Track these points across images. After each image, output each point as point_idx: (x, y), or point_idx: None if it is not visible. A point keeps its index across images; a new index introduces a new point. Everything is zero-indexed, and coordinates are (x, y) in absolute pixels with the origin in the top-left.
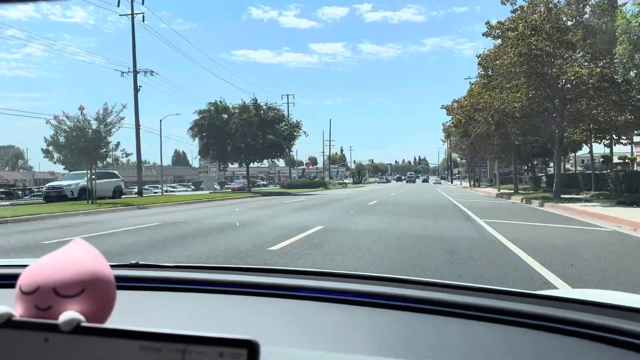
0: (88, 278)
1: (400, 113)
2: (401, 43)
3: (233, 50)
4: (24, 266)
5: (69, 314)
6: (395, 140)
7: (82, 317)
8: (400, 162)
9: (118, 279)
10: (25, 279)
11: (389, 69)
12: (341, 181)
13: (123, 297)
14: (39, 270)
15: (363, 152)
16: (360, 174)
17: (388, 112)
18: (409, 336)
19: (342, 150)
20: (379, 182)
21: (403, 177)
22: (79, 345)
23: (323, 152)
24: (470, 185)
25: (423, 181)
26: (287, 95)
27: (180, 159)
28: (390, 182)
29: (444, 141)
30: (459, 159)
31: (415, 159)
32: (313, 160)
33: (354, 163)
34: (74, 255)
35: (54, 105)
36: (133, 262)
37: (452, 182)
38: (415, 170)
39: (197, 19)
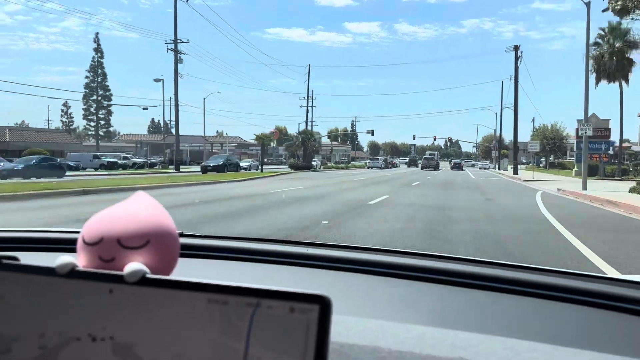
0: (153, 230)
1: (432, 95)
2: (439, 24)
3: (266, 28)
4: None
5: (134, 265)
6: (425, 123)
7: (147, 269)
8: (429, 144)
9: None
10: (89, 230)
11: (424, 51)
12: (259, 168)
13: (180, 263)
14: (102, 220)
15: (390, 134)
16: (306, 151)
17: (420, 94)
18: (470, 311)
19: (352, 126)
20: (369, 167)
21: (419, 160)
22: (144, 296)
23: (309, 121)
24: None
25: (453, 167)
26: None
27: (158, 129)
28: (396, 167)
29: None
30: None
31: (446, 141)
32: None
33: (350, 137)
34: (138, 207)
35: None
36: (178, 231)
37: (516, 172)
38: (446, 154)
39: None
